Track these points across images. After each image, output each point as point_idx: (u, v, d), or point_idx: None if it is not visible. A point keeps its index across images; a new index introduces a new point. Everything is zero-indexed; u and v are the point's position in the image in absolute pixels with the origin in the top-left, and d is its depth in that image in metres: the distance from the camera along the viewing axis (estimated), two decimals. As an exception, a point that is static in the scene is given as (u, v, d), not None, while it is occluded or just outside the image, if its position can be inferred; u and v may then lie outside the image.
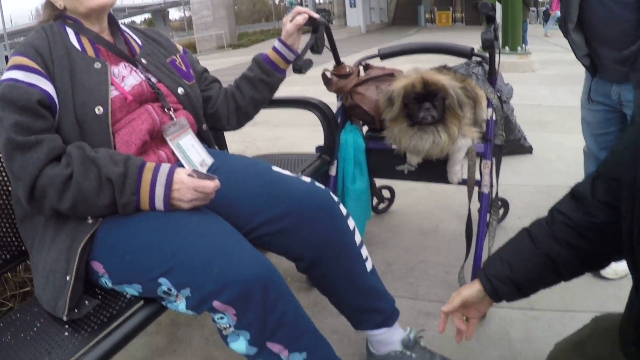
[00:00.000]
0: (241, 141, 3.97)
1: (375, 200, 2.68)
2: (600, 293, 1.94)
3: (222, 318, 1.14)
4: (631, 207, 0.93)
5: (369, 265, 1.50)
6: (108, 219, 1.22)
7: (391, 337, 1.55)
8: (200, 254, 1.12)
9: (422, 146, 1.78)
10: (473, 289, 1.23)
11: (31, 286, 1.77)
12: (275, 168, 1.50)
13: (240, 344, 1.17)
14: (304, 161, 2.07)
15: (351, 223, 1.48)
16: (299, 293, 1.26)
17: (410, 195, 2.95)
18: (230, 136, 2.10)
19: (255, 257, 1.17)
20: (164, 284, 1.13)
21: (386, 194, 2.79)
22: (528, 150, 3.59)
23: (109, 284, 1.24)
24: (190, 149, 1.43)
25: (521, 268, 1.18)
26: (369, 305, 1.50)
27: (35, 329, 1.21)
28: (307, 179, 1.49)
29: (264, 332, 1.15)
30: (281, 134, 4.56)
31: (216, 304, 1.11)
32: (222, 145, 2.08)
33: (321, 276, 1.47)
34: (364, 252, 1.50)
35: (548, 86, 6.00)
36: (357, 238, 1.49)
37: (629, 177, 0.94)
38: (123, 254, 1.18)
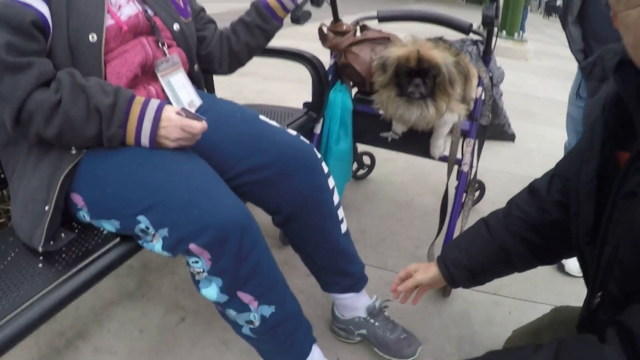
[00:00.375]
0: (228, 90, 3.90)
1: (355, 166, 2.69)
2: (563, 288, 1.99)
3: (196, 262, 1.14)
4: (577, 210, 0.95)
5: (343, 227, 1.52)
6: (92, 151, 1.20)
7: (357, 303, 1.58)
8: (182, 194, 1.11)
9: (408, 116, 1.78)
10: (429, 274, 1.28)
11: (6, 218, 1.74)
12: (262, 117, 1.49)
13: (211, 291, 1.18)
14: (290, 115, 2.05)
15: (331, 182, 1.49)
16: (271, 250, 1.26)
17: (390, 165, 2.96)
18: (217, 84, 2.08)
19: (235, 203, 1.17)
20: (143, 221, 1.13)
21: (367, 160, 2.80)
22: (510, 137, 3.61)
23: (87, 218, 1.23)
24: (180, 87, 1.41)
25: (477, 257, 1.21)
26: (339, 267, 1.52)
27: (9, 258, 1.20)
28: (293, 132, 1.49)
29: (236, 280, 1.16)
30: (269, 87, 4.49)
31: (192, 246, 1.11)
32: (211, 90, 2.05)
33: (296, 232, 1.48)
34: (340, 213, 1.51)
35: (539, 77, 5.98)
36: (335, 198, 1.50)
37: (576, 180, 0.96)
38: (104, 187, 1.17)
